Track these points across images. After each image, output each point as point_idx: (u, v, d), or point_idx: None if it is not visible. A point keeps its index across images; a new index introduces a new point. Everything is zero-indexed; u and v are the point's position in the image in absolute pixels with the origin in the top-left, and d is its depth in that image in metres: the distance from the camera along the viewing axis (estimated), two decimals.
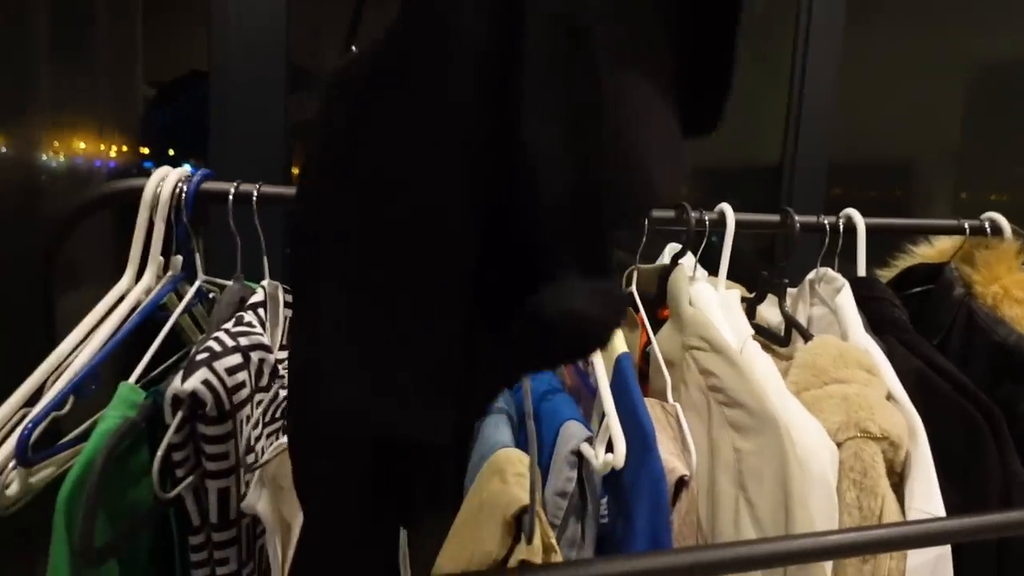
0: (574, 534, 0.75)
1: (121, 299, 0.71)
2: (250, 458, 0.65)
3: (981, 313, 0.99)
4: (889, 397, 0.80)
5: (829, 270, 0.98)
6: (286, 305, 0.82)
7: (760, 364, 0.79)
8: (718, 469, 0.73)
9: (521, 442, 0.86)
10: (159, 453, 0.57)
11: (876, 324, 0.92)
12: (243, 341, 0.66)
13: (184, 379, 0.58)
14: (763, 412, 0.70)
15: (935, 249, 1.14)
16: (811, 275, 1.01)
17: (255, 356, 0.66)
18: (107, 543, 0.56)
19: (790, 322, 0.95)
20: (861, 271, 1.00)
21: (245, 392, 0.63)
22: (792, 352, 0.91)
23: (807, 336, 0.91)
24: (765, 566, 0.59)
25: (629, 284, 0.94)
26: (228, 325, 0.67)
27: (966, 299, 1.01)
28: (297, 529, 0.66)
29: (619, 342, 0.80)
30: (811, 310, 1.01)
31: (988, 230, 1.06)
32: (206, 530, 0.61)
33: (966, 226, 1.07)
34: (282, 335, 0.81)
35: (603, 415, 0.85)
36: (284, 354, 0.80)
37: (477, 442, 0.89)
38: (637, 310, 0.95)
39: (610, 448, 0.66)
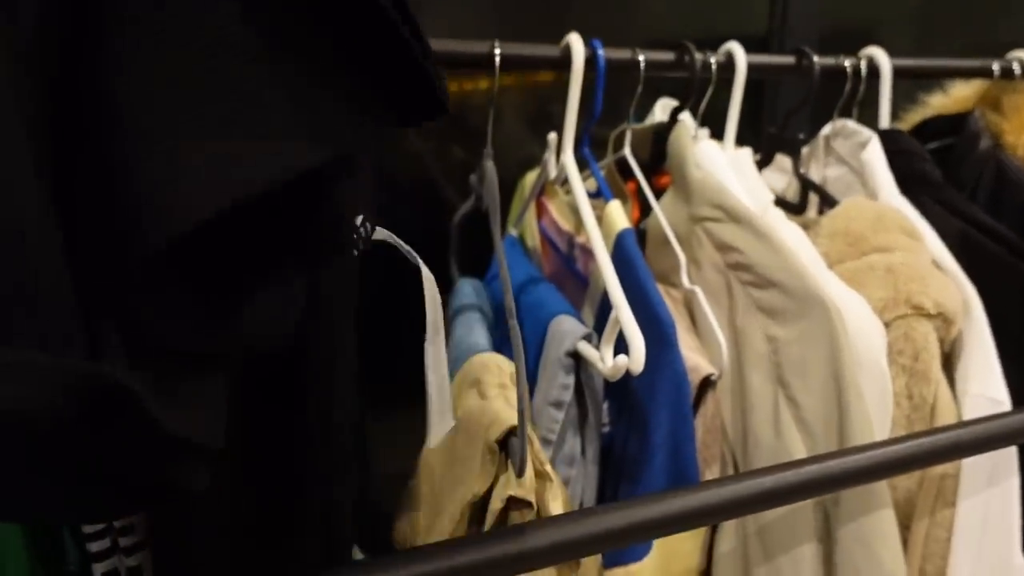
0: (572, 450, 0.62)
1: None
2: None
3: (1012, 166, 0.86)
4: (935, 265, 0.67)
5: (849, 122, 0.83)
6: None
7: (790, 234, 0.65)
8: (747, 364, 0.60)
9: (500, 344, 0.71)
10: None
11: (905, 182, 0.78)
12: None
13: None
14: (805, 291, 0.56)
15: (951, 98, 1.00)
16: (826, 129, 0.85)
17: None
18: None
19: (807, 186, 0.81)
20: (884, 122, 0.85)
21: None
22: (809, 222, 0.77)
23: (830, 200, 0.77)
24: (829, 490, 0.47)
25: (621, 145, 0.77)
26: None
27: (994, 151, 0.88)
28: None
29: (619, 216, 0.65)
30: (825, 171, 0.87)
31: (1018, 71, 0.92)
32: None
33: (994, 67, 0.92)
34: None
35: (599, 306, 0.71)
36: None
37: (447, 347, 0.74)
38: (628, 178, 0.80)
39: (620, 347, 0.52)
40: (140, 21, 0.23)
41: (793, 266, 0.58)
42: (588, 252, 0.76)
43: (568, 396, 0.60)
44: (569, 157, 0.67)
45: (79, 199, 0.23)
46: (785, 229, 0.66)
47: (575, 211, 0.80)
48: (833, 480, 0.47)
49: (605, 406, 0.63)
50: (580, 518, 0.41)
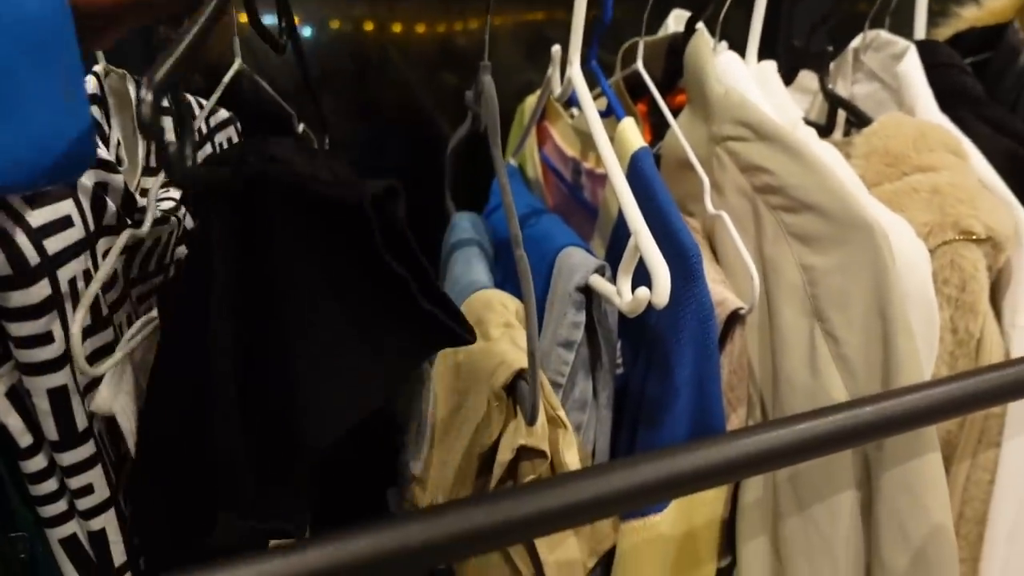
0: (584, 393, 0.56)
1: None
2: (100, 339, 0.42)
3: None
4: (983, 186, 0.61)
5: (882, 32, 0.75)
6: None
7: (826, 153, 0.58)
8: (778, 296, 0.54)
9: (501, 282, 0.65)
10: None
11: (944, 98, 0.71)
12: None
13: None
14: (847, 214, 0.50)
15: (985, 10, 0.91)
16: (855, 42, 0.78)
17: (86, 177, 0.41)
18: None
19: (836, 103, 0.73)
20: (920, 32, 0.78)
21: (73, 235, 0.39)
22: (839, 143, 0.70)
23: (864, 118, 0.70)
24: (877, 436, 0.42)
25: (632, 59, 0.69)
26: None
27: None
28: None
29: (634, 135, 0.57)
30: (852, 89, 0.79)
31: None
32: (44, 451, 0.39)
33: None
34: (147, 154, 0.55)
35: (611, 237, 0.64)
36: (152, 181, 0.55)
37: (444, 286, 0.68)
38: (637, 99, 0.72)
39: (638, 280, 0.46)
40: (292, 317, 0.38)
41: (832, 186, 0.51)
42: (597, 178, 0.69)
43: (579, 335, 0.54)
44: (576, 70, 0.60)
45: (253, 410, 0.38)
46: (821, 148, 0.59)
47: (581, 134, 0.73)
48: (883, 425, 0.42)
49: (619, 345, 0.58)
50: (604, 473, 0.35)
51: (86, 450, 0.40)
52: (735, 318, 0.52)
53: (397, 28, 0.98)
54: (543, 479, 0.40)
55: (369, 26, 0.97)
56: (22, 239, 0.36)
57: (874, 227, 0.49)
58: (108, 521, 0.42)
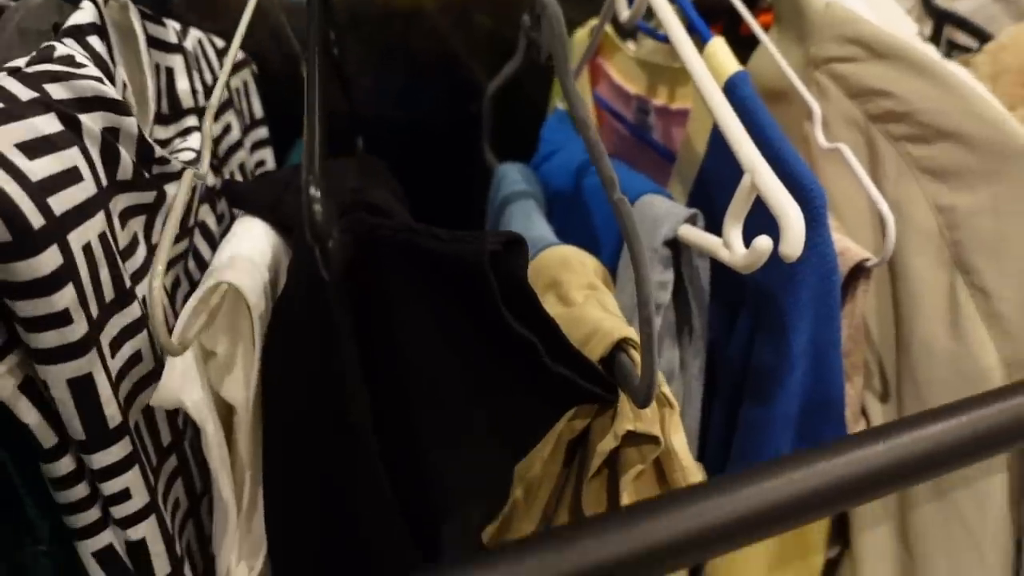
0: (671, 363, 0.49)
1: None
2: (125, 316, 0.35)
3: None
4: None
5: None
6: (153, 44, 0.47)
7: (958, 71, 0.49)
8: (906, 244, 0.45)
9: (563, 237, 0.57)
10: None
11: None
12: (58, 91, 0.33)
13: None
14: (1002, 142, 0.41)
15: None
16: None
17: (92, 121, 0.34)
18: None
19: (943, 18, 0.63)
20: None
21: (83, 191, 0.32)
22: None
23: (982, 34, 0.60)
24: None
25: None
26: (19, 62, 0.34)
27: None
28: (245, 413, 0.38)
29: (727, 57, 0.48)
30: (954, 4, 0.69)
31: None
32: (72, 451, 0.33)
33: None
34: (158, 98, 0.47)
35: (696, 181, 0.56)
36: (164, 131, 0.48)
37: None
38: (717, 16, 0.63)
39: (746, 230, 0.38)
40: (414, 388, 0.37)
41: (979, 109, 0.42)
42: (671, 116, 0.60)
43: (667, 297, 0.46)
44: None
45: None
46: (951, 66, 0.49)
47: (647, 66, 0.64)
48: None
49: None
50: (768, 476, 0.27)
51: (120, 449, 0.33)
52: (859, 272, 0.44)
53: None
54: (684, 489, 0.32)
55: None
56: (20, 196, 0.28)
57: None
58: (149, 529, 0.36)
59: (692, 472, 0.36)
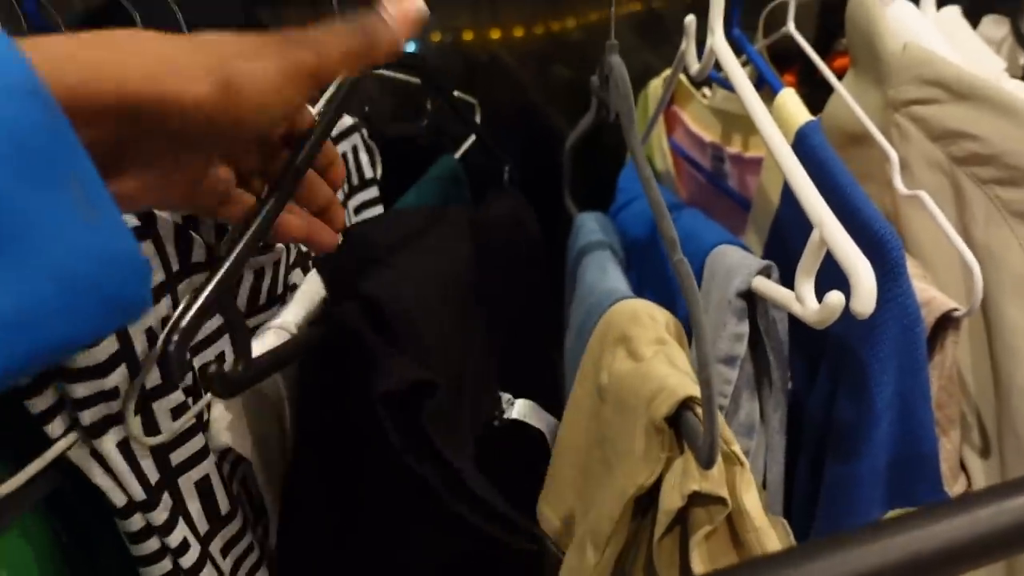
0: (750, 416, 0.48)
1: None
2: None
3: None
4: None
5: None
6: None
7: None
8: (999, 291, 0.43)
9: (637, 288, 0.57)
10: None
11: None
12: None
13: None
14: None
15: None
16: None
17: (170, 214, 0.37)
18: None
19: None
20: None
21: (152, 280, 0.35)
22: None
23: None
24: None
25: (776, 25, 0.60)
26: None
27: None
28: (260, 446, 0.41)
29: (797, 107, 0.48)
30: None
31: None
32: (139, 511, 0.36)
33: None
34: None
35: (771, 231, 0.55)
36: None
37: (575, 299, 0.61)
38: (783, 69, 0.63)
39: (823, 282, 0.37)
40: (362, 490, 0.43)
41: None
42: (746, 164, 0.60)
43: (742, 349, 0.46)
44: (720, 39, 0.51)
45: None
46: None
47: (721, 115, 0.64)
48: None
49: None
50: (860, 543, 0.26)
51: (166, 505, 0.36)
52: (946, 322, 0.42)
53: (499, 31, 0.93)
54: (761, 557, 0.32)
55: (472, 31, 0.92)
56: None
57: None
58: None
59: (765, 532, 0.35)
